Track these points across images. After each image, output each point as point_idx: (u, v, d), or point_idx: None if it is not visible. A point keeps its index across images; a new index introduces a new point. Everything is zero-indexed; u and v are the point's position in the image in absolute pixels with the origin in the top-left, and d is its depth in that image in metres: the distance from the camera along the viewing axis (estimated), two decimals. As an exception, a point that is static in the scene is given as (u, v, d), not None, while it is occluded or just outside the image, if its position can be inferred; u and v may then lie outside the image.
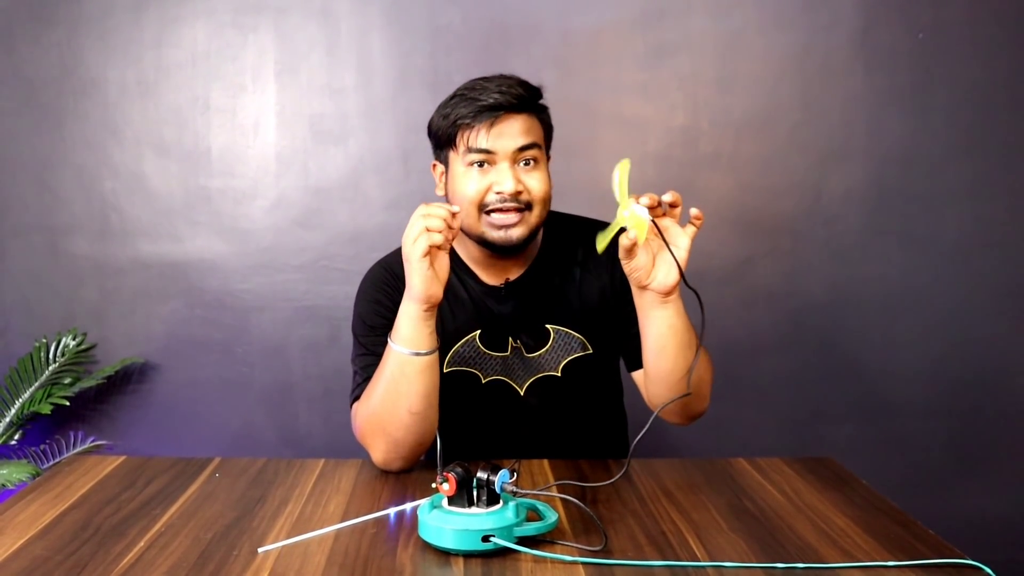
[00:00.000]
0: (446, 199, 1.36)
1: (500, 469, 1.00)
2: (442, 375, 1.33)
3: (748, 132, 2.30)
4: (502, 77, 1.31)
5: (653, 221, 1.14)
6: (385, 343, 1.25)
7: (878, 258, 2.34)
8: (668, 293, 1.19)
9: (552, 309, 1.40)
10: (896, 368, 2.37)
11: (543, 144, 1.34)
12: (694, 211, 1.17)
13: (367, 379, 1.30)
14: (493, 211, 1.29)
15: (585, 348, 1.40)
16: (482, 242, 1.33)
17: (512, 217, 1.28)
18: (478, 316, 1.39)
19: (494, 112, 1.27)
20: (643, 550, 1.01)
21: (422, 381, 1.22)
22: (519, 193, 1.28)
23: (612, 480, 1.17)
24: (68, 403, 2.12)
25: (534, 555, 0.97)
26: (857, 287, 2.34)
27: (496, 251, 1.33)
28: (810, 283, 2.30)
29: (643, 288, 1.20)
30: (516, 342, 1.39)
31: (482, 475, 1.00)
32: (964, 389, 2.38)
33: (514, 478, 1.01)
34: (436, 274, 1.18)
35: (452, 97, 1.32)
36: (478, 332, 1.39)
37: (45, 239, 2.31)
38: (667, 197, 1.15)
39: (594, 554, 0.99)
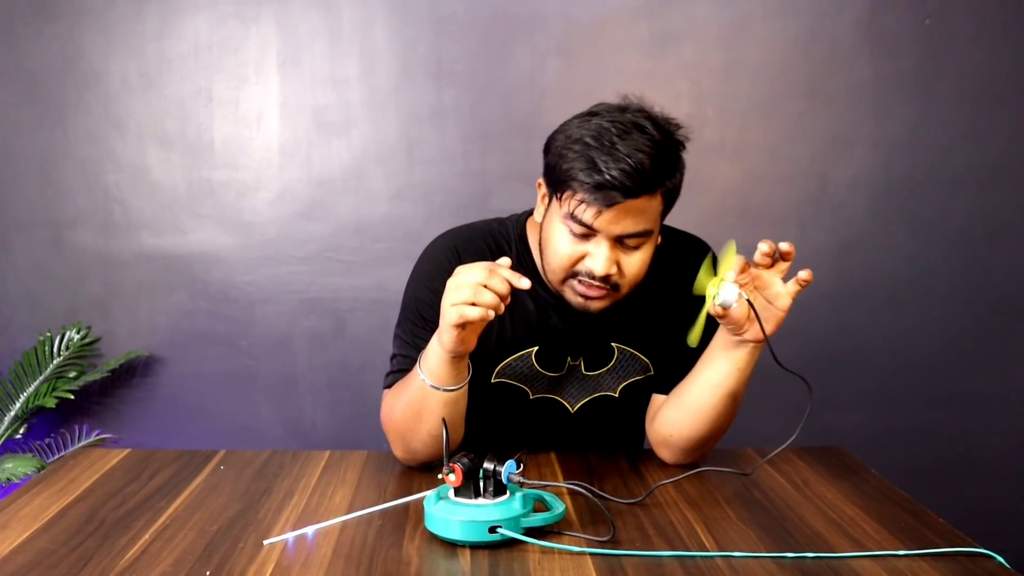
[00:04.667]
0: (540, 227, 1.23)
1: (507, 460, 0.99)
2: (488, 385, 1.29)
3: (753, 120, 2.28)
4: (638, 138, 1.10)
5: (749, 300, 1.09)
6: (432, 333, 1.18)
7: (885, 246, 2.33)
8: (755, 342, 1.14)
9: (621, 327, 1.28)
10: (904, 357, 2.36)
11: (657, 225, 1.17)
12: (803, 274, 1.10)
13: (403, 370, 1.25)
14: (579, 280, 1.16)
15: (647, 371, 1.31)
16: (560, 297, 1.22)
17: (596, 292, 1.16)
18: (539, 331, 1.27)
19: (611, 195, 1.09)
20: (651, 541, 1.00)
21: (445, 411, 1.14)
22: (609, 276, 1.15)
23: (637, 500, 1.13)
24: (72, 397, 2.12)
25: (541, 546, 0.96)
26: (864, 275, 2.33)
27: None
28: (816, 272, 2.26)
29: (734, 333, 1.14)
30: (575, 360, 1.29)
31: (488, 466, 0.99)
32: (972, 378, 2.37)
33: (520, 469, 1.00)
34: (467, 335, 1.08)
35: (578, 139, 1.12)
36: (535, 349, 1.28)
37: (49, 232, 2.30)
38: (783, 246, 1.09)
39: (602, 545, 0.98)
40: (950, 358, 2.36)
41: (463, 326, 1.06)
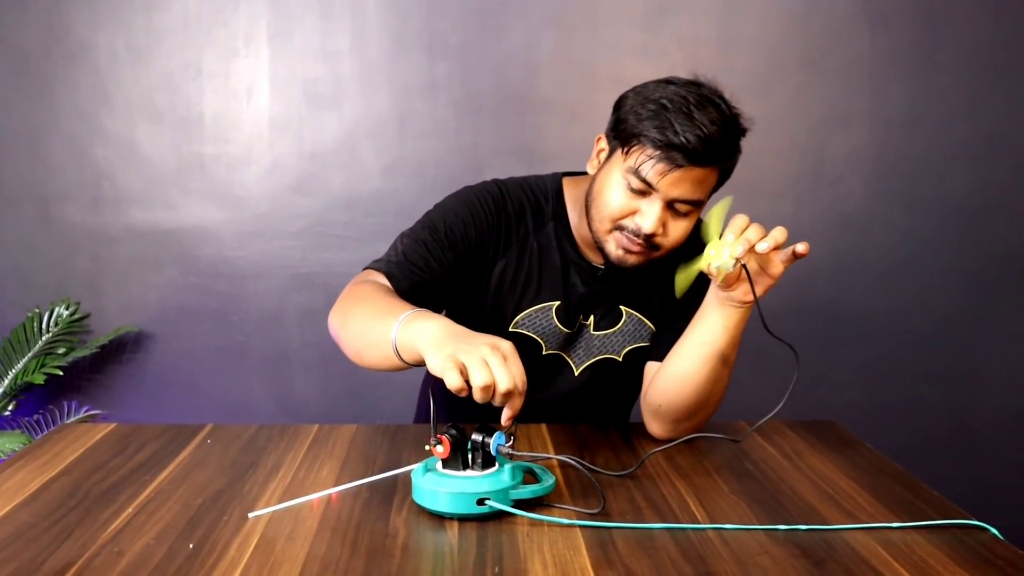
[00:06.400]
0: (591, 180, 1.23)
1: (495, 431, 0.98)
2: (504, 333, 1.27)
3: (749, 94, 2.21)
4: (712, 111, 1.13)
5: (744, 267, 1.08)
6: (446, 258, 1.20)
7: (882, 222, 2.31)
8: (744, 303, 1.14)
9: (632, 292, 1.31)
10: (899, 333, 2.35)
11: (708, 196, 1.19)
12: (800, 247, 1.08)
13: (399, 263, 1.20)
14: (625, 233, 1.18)
15: (652, 338, 1.33)
16: (600, 248, 1.22)
17: (636, 247, 1.18)
18: (563, 288, 1.29)
19: (680, 158, 1.11)
20: (642, 513, 0.98)
21: (383, 364, 1.06)
22: (655, 235, 1.17)
23: (627, 472, 1.13)
24: (61, 373, 2.10)
25: (531, 518, 0.95)
26: (860, 251, 2.32)
27: (605, 260, 1.23)
28: (813, 247, 2.27)
29: (722, 290, 1.14)
30: (586, 319, 1.31)
31: (476, 437, 0.98)
32: (968, 353, 2.36)
33: (510, 442, 0.99)
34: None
35: (656, 100, 1.13)
36: (557, 304, 1.29)
37: (37, 208, 2.28)
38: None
39: (592, 517, 0.96)
40: (946, 334, 2.35)
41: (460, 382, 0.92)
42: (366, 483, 1.06)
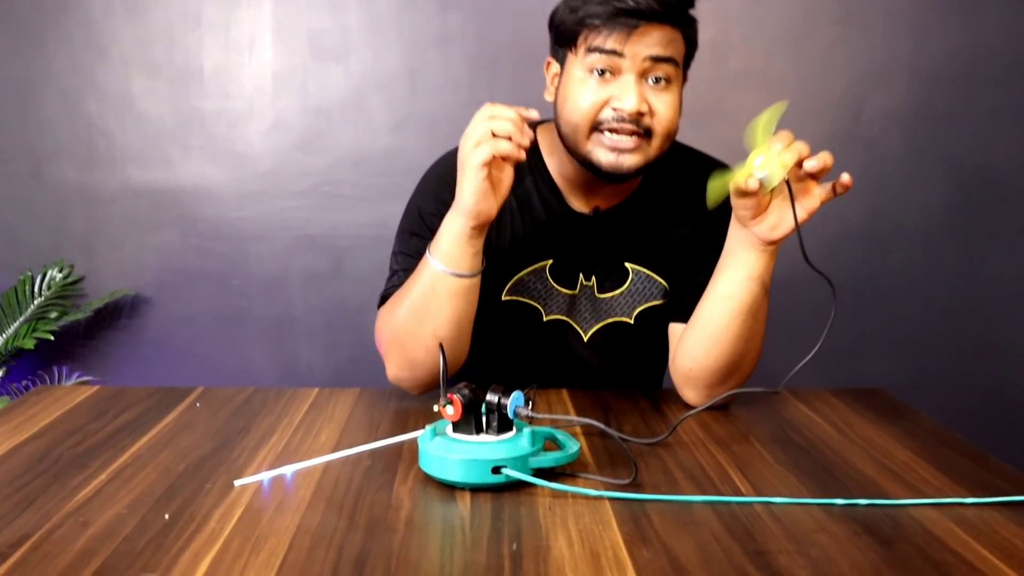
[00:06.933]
0: (554, 108, 1.15)
1: (513, 391, 0.86)
2: (498, 304, 1.19)
3: (781, 47, 2.14)
4: None
5: (788, 183, 0.97)
6: None
7: (921, 185, 2.19)
8: (770, 243, 1.02)
9: (636, 247, 1.21)
10: (936, 302, 2.23)
11: (681, 62, 1.10)
12: (845, 177, 0.97)
13: (404, 283, 1.16)
14: (608, 130, 1.08)
15: (665, 295, 1.22)
16: (586, 163, 1.12)
17: (628, 141, 1.07)
18: (553, 243, 1.20)
19: (632, 20, 1.04)
20: (678, 484, 0.87)
21: (455, 305, 1.06)
22: (641, 115, 1.07)
23: (658, 439, 1.02)
24: (52, 338, 2.03)
25: (553, 489, 0.84)
26: (898, 216, 2.20)
27: (601, 176, 1.12)
28: (847, 210, 2.16)
29: (745, 225, 1.03)
30: (588, 280, 1.22)
31: (492, 398, 0.86)
32: (1009, 324, 2.24)
33: (530, 406, 0.87)
34: (493, 188, 1.01)
35: None
36: (550, 262, 1.21)
37: (28, 166, 2.20)
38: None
39: (623, 488, 0.85)
40: (986, 304, 2.23)
41: (489, 171, 1.00)
42: (368, 449, 0.96)
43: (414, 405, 1.13)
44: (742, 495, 0.85)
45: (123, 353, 2.23)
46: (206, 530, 0.77)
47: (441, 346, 0.87)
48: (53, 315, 2.08)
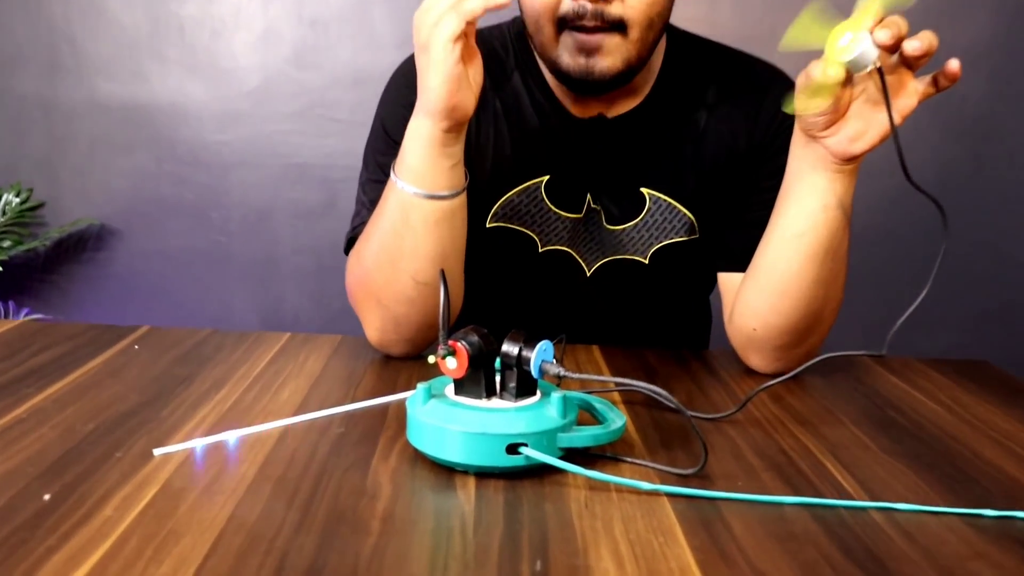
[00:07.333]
0: (520, 10, 0.95)
1: (539, 342, 0.63)
2: (482, 232, 0.99)
3: None
4: None
5: (880, 70, 0.71)
6: None
7: (1004, 129, 2.01)
8: (848, 160, 0.78)
9: (655, 167, 0.99)
10: (1013, 268, 2.06)
11: None
12: (953, 64, 0.71)
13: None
14: (571, 27, 0.88)
15: (691, 231, 1.00)
16: (557, 73, 0.92)
17: (594, 39, 0.87)
18: (549, 156, 0.99)
19: None
20: (759, 477, 0.64)
21: (435, 238, 0.85)
22: (607, 2, 0.85)
23: (727, 413, 0.79)
24: (1, 268, 1.86)
25: (590, 478, 0.61)
26: (976, 163, 2.02)
27: (573, 87, 0.93)
28: (918, 157, 1.96)
29: (813, 138, 0.79)
30: (597, 204, 1.00)
31: (510, 349, 0.63)
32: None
33: (561, 363, 0.64)
34: (468, 76, 0.79)
35: None
36: (546, 179, 0.99)
37: (-17, 75, 2.08)
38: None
39: (686, 482, 0.62)
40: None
41: (461, 44, 0.77)
42: (339, 413, 0.73)
43: (408, 359, 0.90)
44: (849, 497, 0.62)
45: (85, 291, 2.11)
46: (96, 520, 0.54)
47: (443, 273, 0.63)
48: (6, 244, 1.98)
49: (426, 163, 0.82)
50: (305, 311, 2.13)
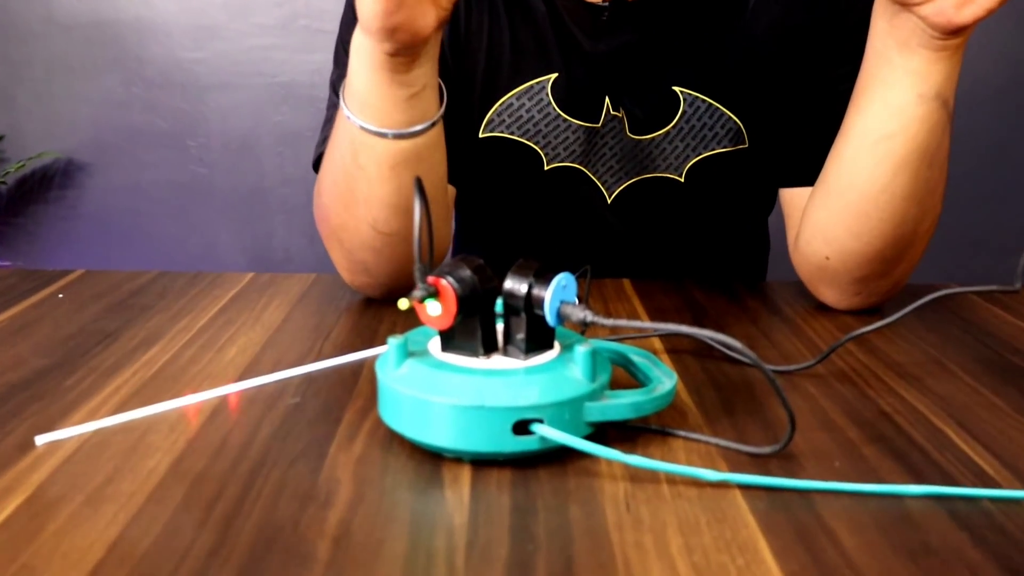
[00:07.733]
0: None
1: (556, 275, 0.45)
2: (474, 144, 0.84)
3: None
4: None
5: None
6: None
7: None
8: (952, 33, 0.60)
9: (690, 59, 0.83)
10: None
11: None
12: None
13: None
14: None
15: (738, 139, 0.83)
16: None
17: None
18: (557, 50, 0.83)
19: None
20: (861, 456, 0.48)
21: (393, 186, 0.67)
22: None
23: (805, 366, 0.63)
24: None
25: (632, 466, 0.44)
26: None
27: None
28: (982, 59, 1.77)
29: (904, 6, 0.61)
30: (619, 110, 0.83)
31: (516, 285, 0.45)
32: None
33: (585, 304, 0.47)
34: None
35: None
36: (553, 77, 0.83)
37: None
38: None
39: (765, 467, 0.45)
40: None
41: None
42: (296, 376, 0.57)
43: (392, 302, 0.73)
44: (993, 482, 0.45)
45: (53, 233, 2.00)
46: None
47: (418, 182, 0.45)
48: (-39, 182, 1.79)
49: (374, 91, 0.63)
50: (297, 248, 2.02)
